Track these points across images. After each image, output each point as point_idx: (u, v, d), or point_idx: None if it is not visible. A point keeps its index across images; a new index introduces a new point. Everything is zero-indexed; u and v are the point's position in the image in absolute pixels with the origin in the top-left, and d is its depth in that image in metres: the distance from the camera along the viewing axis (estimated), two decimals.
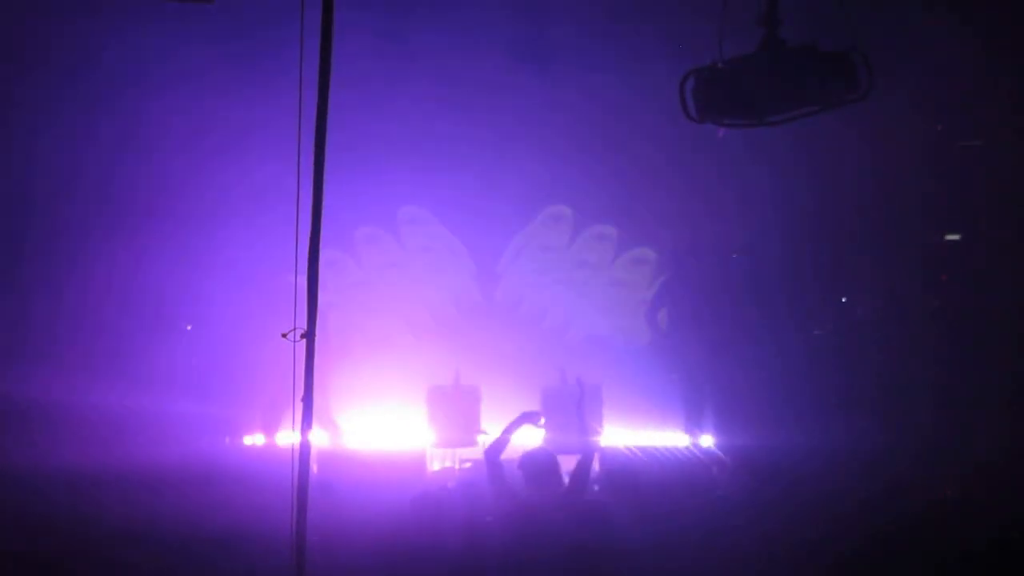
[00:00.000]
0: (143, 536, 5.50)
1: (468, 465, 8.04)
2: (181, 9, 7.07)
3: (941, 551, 5.10)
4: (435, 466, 8.47)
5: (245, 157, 7.96)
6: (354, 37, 5.13)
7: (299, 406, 3.75)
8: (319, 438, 8.20)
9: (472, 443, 8.25)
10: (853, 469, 6.02)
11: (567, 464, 5.71)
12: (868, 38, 4.79)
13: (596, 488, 6.33)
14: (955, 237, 7.83)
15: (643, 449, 7.22)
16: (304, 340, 3.74)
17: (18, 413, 7.15)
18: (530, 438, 6.41)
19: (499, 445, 5.71)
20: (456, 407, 8.29)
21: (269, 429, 8.34)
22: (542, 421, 6.00)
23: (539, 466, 5.57)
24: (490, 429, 8.10)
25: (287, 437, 8.15)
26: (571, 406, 6.39)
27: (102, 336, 7.77)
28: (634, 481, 6.04)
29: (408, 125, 8.57)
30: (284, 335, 3.74)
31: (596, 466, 6.75)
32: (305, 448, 3.79)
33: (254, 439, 8.42)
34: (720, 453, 5.71)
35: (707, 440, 7.97)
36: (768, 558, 5.20)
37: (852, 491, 5.74)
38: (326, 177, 3.64)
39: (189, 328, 8.30)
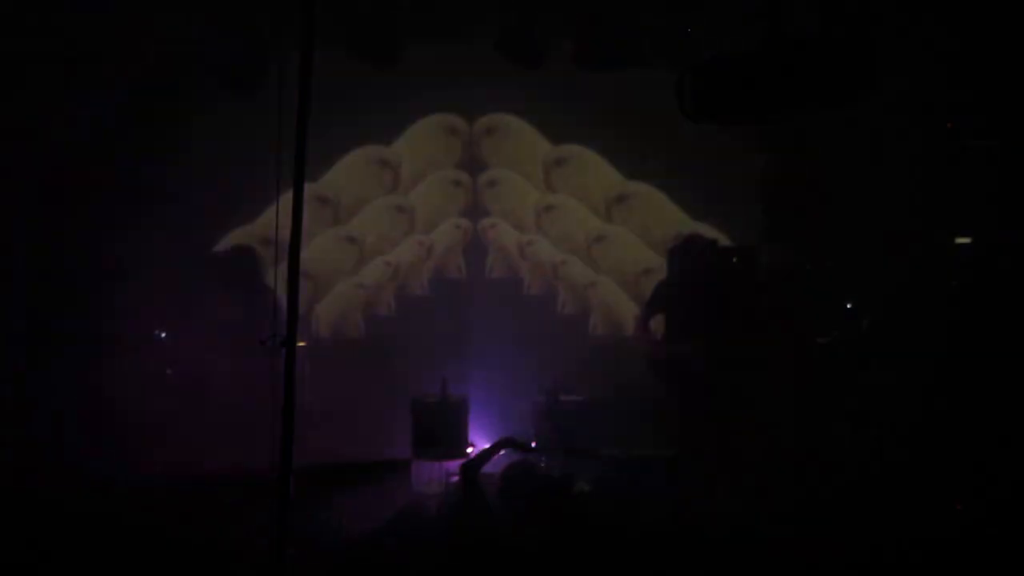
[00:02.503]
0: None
1: (455, 479, 7.87)
2: None
3: None
4: (420, 479, 8.28)
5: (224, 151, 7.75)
6: None
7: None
8: None
9: (459, 456, 8.07)
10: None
11: None
12: (874, 32, 4.68)
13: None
14: (966, 240, 7.75)
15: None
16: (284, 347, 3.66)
17: None
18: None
19: (477, 462, 5.73)
20: (442, 418, 8.10)
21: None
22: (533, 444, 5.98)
23: (517, 481, 5.55)
24: (478, 441, 7.97)
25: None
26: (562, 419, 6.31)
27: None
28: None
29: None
30: (262, 342, 3.62)
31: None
32: (287, 458, 3.68)
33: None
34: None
35: None
36: None
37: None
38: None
39: (163, 335, 8.08)
